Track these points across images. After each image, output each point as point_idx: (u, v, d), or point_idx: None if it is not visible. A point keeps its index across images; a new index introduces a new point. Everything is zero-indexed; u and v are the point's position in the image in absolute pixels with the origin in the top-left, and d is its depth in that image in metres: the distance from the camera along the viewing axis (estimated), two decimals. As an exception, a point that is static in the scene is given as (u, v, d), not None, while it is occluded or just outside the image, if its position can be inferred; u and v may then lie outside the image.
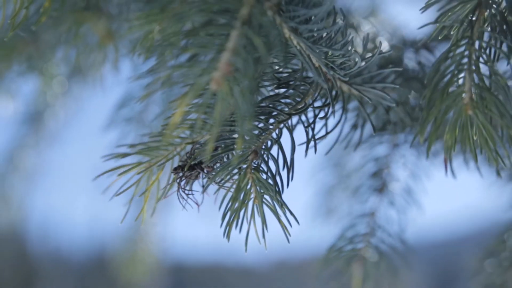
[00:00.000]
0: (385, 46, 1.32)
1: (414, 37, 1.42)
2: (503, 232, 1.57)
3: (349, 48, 1.02)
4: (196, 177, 1.04)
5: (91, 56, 1.49)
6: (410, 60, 1.34)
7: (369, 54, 1.20)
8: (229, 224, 0.99)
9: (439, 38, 1.01)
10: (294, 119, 1.07)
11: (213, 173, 1.02)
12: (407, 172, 1.46)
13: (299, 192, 1.41)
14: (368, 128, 1.21)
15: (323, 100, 1.09)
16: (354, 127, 1.19)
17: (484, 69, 0.96)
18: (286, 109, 1.04)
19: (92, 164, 1.18)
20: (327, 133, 1.09)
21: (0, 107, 1.79)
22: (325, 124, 1.09)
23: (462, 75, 0.96)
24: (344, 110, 1.12)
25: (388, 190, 1.45)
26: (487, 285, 1.56)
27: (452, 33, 1.00)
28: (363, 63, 1.07)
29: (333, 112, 1.09)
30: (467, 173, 1.22)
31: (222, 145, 1.00)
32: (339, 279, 1.40)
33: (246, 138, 0.97)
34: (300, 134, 1.10)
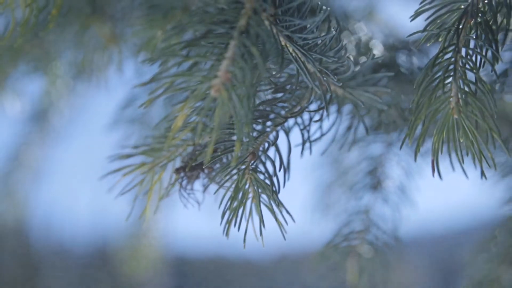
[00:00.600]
0: (379, 50, 1.37)
1: (408, 39, 1.46)
2: (495, 228, 1.61)
3: (343, 53, 1.07)
4: (197, 177, 1.09)
5: (96, 58, 1.54)
6: (403, 62, 1.39)
7: (363, 58, 1.25)
8: (228, 222, 1.04)
9: (428, 45, 1.06)
10: (291, 121, 1.13)
11: (213, 174, 1.07)
12: (401, 170, 1.52)
13: (299, 189, 1.46)
14: (362, 128, 1.26)
15: (319, 103, 1.14)
16: (349, 128, 1.24)
17: (469, 75, 1.01)
18: (283, 113, 1.10)
19: (96, 162, 1.23)
20: (322, 135, 1.15)
21: (6, 105, 1.84)
22: (320, 126, 1.15)
23: (449, 80, 1.01)
24: (339, 112, 1.17)
25: (383, 188, 1.50)
26: (481, 281, 1.61)
27: (440, 40, 1.05)
28: (357, 67, 1.12)
29: (328, 115, 1.14)
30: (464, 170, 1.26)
31: (222, 147, 1.05)
32: (336, 274, 1.45)
33: (245, 140, 1.02)
34: (296, 135, 1.15)
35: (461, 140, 1.00)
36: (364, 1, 1.75)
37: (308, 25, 0.99)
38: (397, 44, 1.42)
